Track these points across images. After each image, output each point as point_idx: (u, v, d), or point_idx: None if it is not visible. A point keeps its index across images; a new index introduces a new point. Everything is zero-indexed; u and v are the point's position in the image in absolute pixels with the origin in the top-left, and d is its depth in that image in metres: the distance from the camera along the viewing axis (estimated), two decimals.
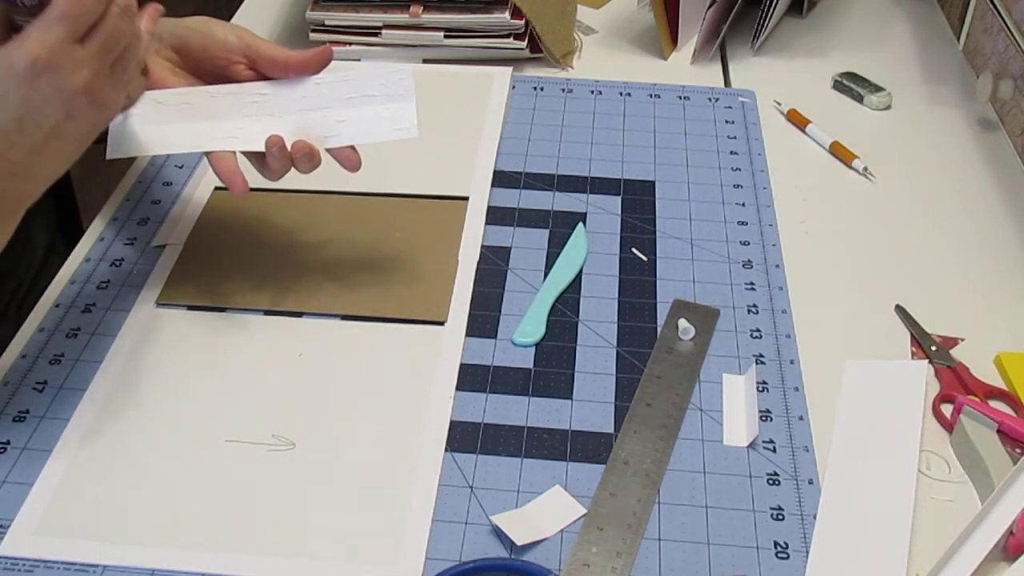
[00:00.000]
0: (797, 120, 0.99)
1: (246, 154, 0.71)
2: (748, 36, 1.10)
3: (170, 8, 0.77)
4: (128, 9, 0.58)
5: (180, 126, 0.71)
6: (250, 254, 0.80)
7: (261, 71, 0.72)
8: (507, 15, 1.02)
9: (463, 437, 0.67)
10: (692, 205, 0.87)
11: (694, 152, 0.94)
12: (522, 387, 0.71)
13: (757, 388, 0.70)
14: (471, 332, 0.75)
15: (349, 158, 0.72)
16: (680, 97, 1.01)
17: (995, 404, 0.70)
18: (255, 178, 0.89)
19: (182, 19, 0.75)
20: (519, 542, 0.60)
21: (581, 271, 0.80)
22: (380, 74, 0.72)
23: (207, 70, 0.73)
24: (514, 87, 1.02)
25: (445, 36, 1.03)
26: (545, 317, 0.75)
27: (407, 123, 0.72)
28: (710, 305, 0.77)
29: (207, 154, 0.71)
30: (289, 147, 0.70)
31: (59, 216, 0.95)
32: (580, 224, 0.84)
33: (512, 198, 0.88)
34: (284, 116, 0.71)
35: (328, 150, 0.72)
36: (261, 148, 0.70)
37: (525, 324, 0.75)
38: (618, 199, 0.88)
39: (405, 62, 1.04)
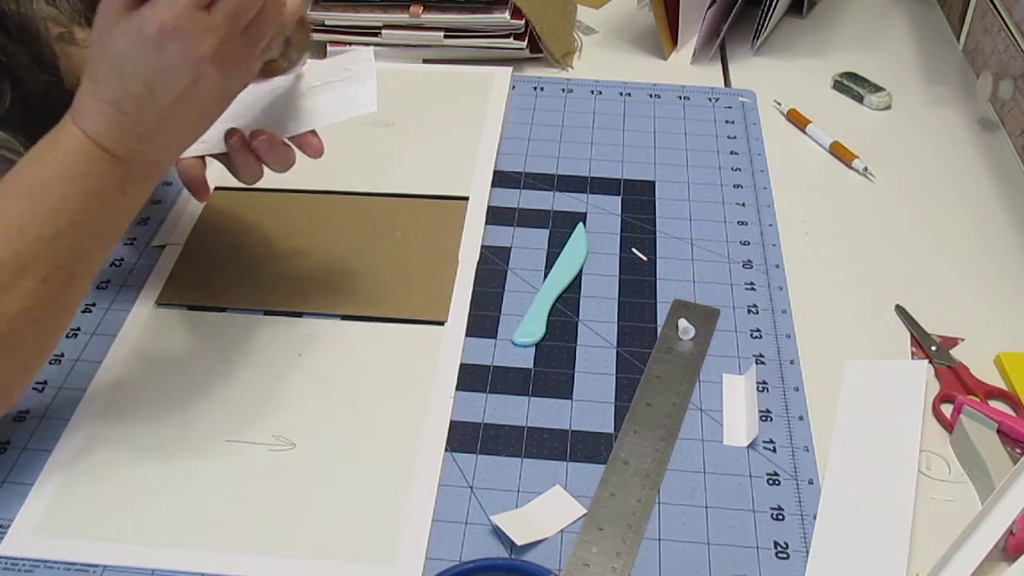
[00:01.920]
0: (797, 120, 0.99)
1: (219, 160, 0.71)
2: (748, 36, 1.10)
3: None
4: None
5: None
6: (250, 254, 0.80)
7: None
8: (507, 15, 1.02)
9: (463, 437, 0.67)
10: (692, 205, 0.87)
11: (694, 152, 0.94)
12: (522, 387, 0.71)
13: (757, 388, 0.70)
14: (471, 332, 0.75)
15: (310, 143, 0.70)
16: (680, 97, 1.01)
17: (995, 404, 0.70)
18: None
19: None
20: (519, 542, 0.60)
21: (581, 271, 0.80)
22: (341, 61, 0.72)
23: None
24: (514, 87, 1.02)
25: (445, 36, 1.03)
26: (545, 317, 0.75)
27: (366, 100, 0.70)
28: (710, 305, 0.77)
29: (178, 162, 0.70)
30: (250, 141, 0.69)
31: None
32: (580, 224, 0.84)
33: (512, 198, 0.88)
34: (245, 116, 0.70)
35: (291, 139, 0.70)
36: (224, 149, 0.69)
37: (525, 324, 0.75)
38: (618, 199, 0.88)
39: (403, 62, 1.04)
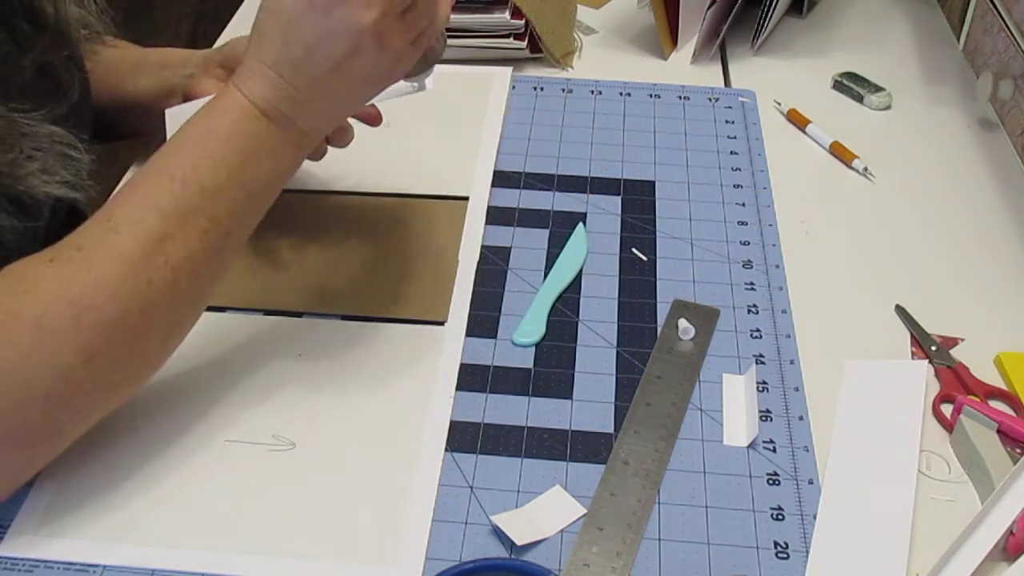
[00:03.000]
0: (797, 120, 0.99)
1: None
2: (748, 36, 1.10)
3: (168, 10, 0.78)
4: None
5: None
6: (250, 254, 0.80)
7: None
8: (507, 15, 1.02)
9: (463, 437, 0.67)
10: (692, 205, 0.87)
11: (694, 152, 0.94)
12: (522, 387, 0.71)
13: (757, 388, 0.70)
14: (471, 332, 0.75)
15: (370, 114, 0.78)
16: (680, 97, 1.01)
17: (995, 404, 0.70)
18: None
19: (231, 41, 0.81)
20: (519, 542, 0.60)
21: (581, 271, 0.80)
22: None
23: None
24: (514, 87, 1.02)
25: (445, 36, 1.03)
26: (545, 317, 0.75)
27: (425, 82, 0.73)
28: (710, 305, 0.77)
29: None
30: None
31: (59, 216, 0.95)
32: (580, 224, 0.84)
33: (512, 198, 0.88)
34: None
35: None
36: None
37: (525, 324, 0.75)
38: (618, 199, 0.88)
39: None
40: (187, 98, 0.79)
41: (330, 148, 0.79)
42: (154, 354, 0.63)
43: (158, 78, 0.84)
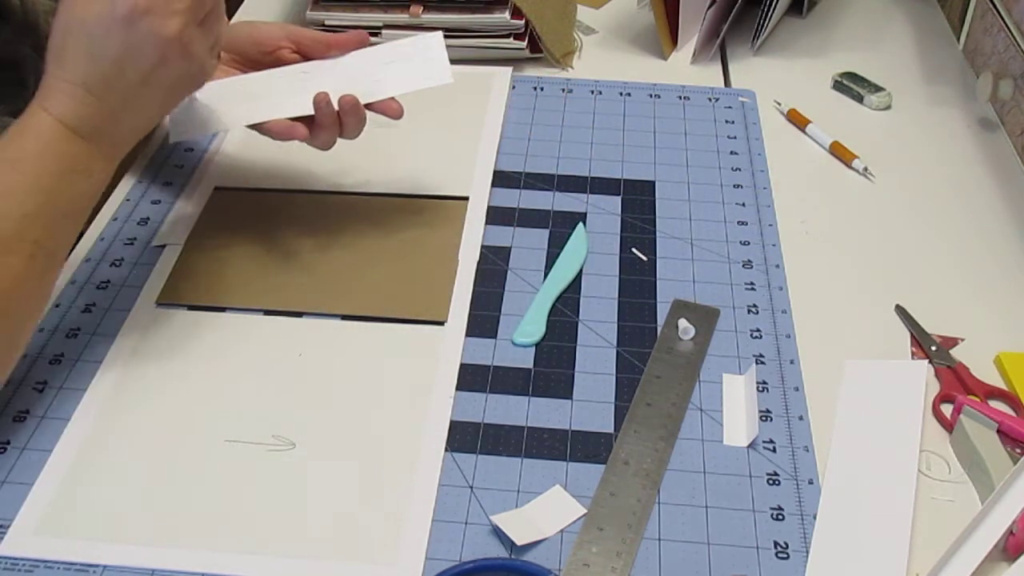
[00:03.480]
0: (797, 120, 0.99)
1: (299, 122, 0.75)
2: (748, 36, 1.10)
3: None
4: None
5: (235, 106, 0.76)
6: (250, 254, 0.80)
7: (305, 53, 0.80)
8: (507, 15, 1.02)
9: (463, 437, 0.67)
10: (692, 205, 0.87)
11: (694, 152, 0.94)
12: (522, 387, 0.71)
13: (757, 388, 0.70)
14: (471, 332, 0.75)
15: (391, 107, 0.77)
16: (680, 97, 1.01)
17: (995, 404, 0.70)
18: (254, 177, 0.89)
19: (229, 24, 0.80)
20: (519, 542, 0.60)
21: (581, 271, 0.80)
22: (411, 41, 0.79)
23: (256, 59, 0.80)
24: (514, 87, 1.02)
25: (445, 36, 1.03)
26: (545, 317, 0.75)
27: (440, 71, 0.78)
28: (710, 305, 0.77)
29: (262, 125, 0.76)
30: (335, 104, 0.74)
31: None
32: (580, 224, 0.84)
33: (512, 198, 0.88)
34: (327, 84, 0.76)
35: (371, 105, 0.76)
36: (310, 111, 0.74)
37: (525, 324, 0.75)
38: (618, 199, 0.88)
39: None
40: None
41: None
42: None
43: None
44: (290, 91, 0.76)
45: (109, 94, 0.61)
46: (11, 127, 0.62)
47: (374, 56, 0.78)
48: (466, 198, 0.86)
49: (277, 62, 0.79)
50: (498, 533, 0.61)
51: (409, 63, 0.78)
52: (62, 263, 0.64)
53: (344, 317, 0.75)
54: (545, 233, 0.84)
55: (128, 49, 0.60)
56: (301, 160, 0.89)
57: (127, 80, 0.61)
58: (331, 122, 0.75)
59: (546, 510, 0.63)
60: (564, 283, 0.79)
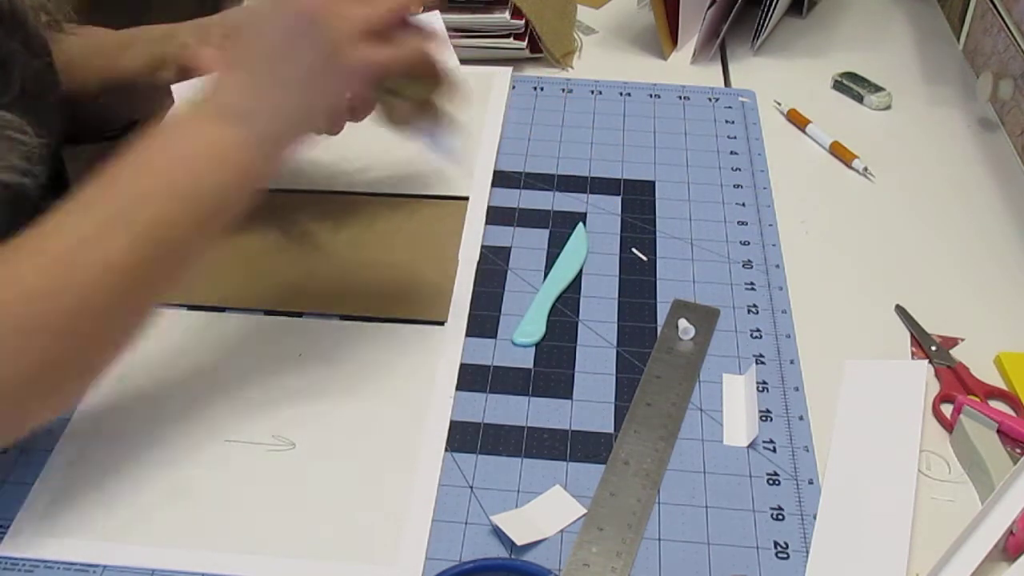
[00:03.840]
0: (797, 120, 0.99)
1: None
2: (748, 36, 1.10)
3: (167, 8, 0.78)
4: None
5: None
6: (250, 254, 0.80)
7: None
8: (507, 15, 1.02)
9: (463, 437, 0.67)
10: (692, 205, 0.87)
11: (694, 152, 0.94)
12: (522, 387, 0.71)
13: (757, 388, 0.70)
14: (471, 332, 0.75)
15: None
16: (680, 97, 1.01)
17: (995, 404, 0.70)
18: None
19: (224, 12, 0.80)
20: (519, 542, 0.60)
21: (581, 271, 0.80)
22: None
23: None
24: (514, 87, 1.02)
25: None
26: (545, 317, 0.75)
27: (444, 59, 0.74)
28: (710, 305, 0.77)
29: None
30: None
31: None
32: (580, 224, 0.84)
33: (512, 198, 0.88)
34: None
35: None
36: None
37: (525, 324, 0.75)
38: (618, 199, 0.88)
39: None
40: (182, 69, 0.77)
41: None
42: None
43: (147, 51, 0.81)
44: None
45: (247, 68, 0.60)
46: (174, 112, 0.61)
47: None
48: (466, 198, 0.86)
49: None
50: (498, 533, 0.61)
51: None
52: (198, 254, 0.61)
53: (344, 317, 0.75)
54: (545, 233, 0.84)
55: (264, 18, 0.60)
56: (301, 160, 0.89)
57: (260, 49, 0.60)
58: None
59: (546, 510, 0.63)
60: (564, 283, 0.79)
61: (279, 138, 0.61)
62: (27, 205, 0.60)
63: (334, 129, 0.66)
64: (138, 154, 0.59)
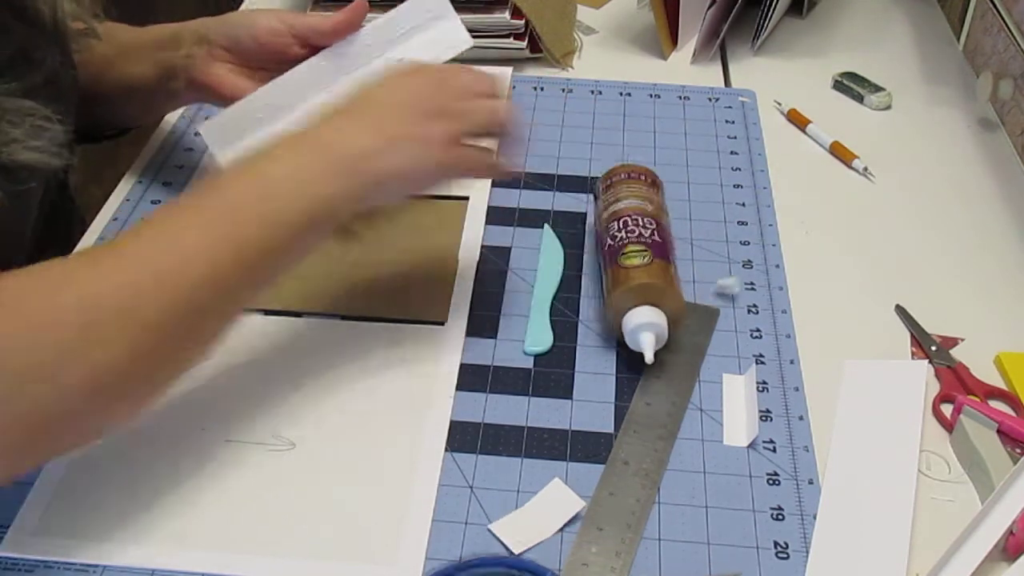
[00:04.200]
0: (797, 120, 0.99)
1: None
2: (748, 36, 1.10)
3: (169, 7, 0.77)
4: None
5: (271, 123, 0.75)
6: None
7: (313, 44, 0.76)
8: (507, 15, 1.02)
9: (463, 437, 0.67)
10: (692, 205, 0.87)
11: (694, 152, 0.94)
12: (522, 387, 0.71)
13: (757, 388, 0.70)
14: (471, 332, 0.75)
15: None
16: (680, 97, 1.01)
17: (995, 404, 0.70)
18: None
19: (224, 17, 0.78)
20: (516, 551, 0.60)
21: (565, 271, 0.80)
22: (414, 4, 0.75)
23: (262, 59, 0.77)
24: (514, 87, 1.02)
25: None
26: (548, 323, 0.75)
27: (459, 38, 0.75)
28: (710, 305, 0.77)
29: None
30: None
31: (58, 217, 0.95)
32: (546, 224, 0.84)
33: (512, 198, 0.88)
34: (351, 76, 0.75)
35: None
36: None
37: (532, 333, 0.74)
38: None
39: None
40: (191, 81, 0.78)
41: None
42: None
43: (154, 61, 0.80)
44: (317, 94, 0.75)
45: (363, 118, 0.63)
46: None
47: (385, 32, 0.75)
48: (466, 198, 0.86)
49: (284, 60, 0.76)
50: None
51: (423, 34, 0.75)
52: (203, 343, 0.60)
53: (344, 317, 0.75)
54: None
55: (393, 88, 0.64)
56: None
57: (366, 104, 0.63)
58: None
59: (546, 506, 0.63)
60: (554, 286, 0.78)
61: (360, 199, 0.64)
62: (57, 189, 0.60)
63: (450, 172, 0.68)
64: (236, 177, 0.60)
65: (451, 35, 0.75)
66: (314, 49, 0.76)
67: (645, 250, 0.72)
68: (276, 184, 0.60)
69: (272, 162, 0.61)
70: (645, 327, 0.69)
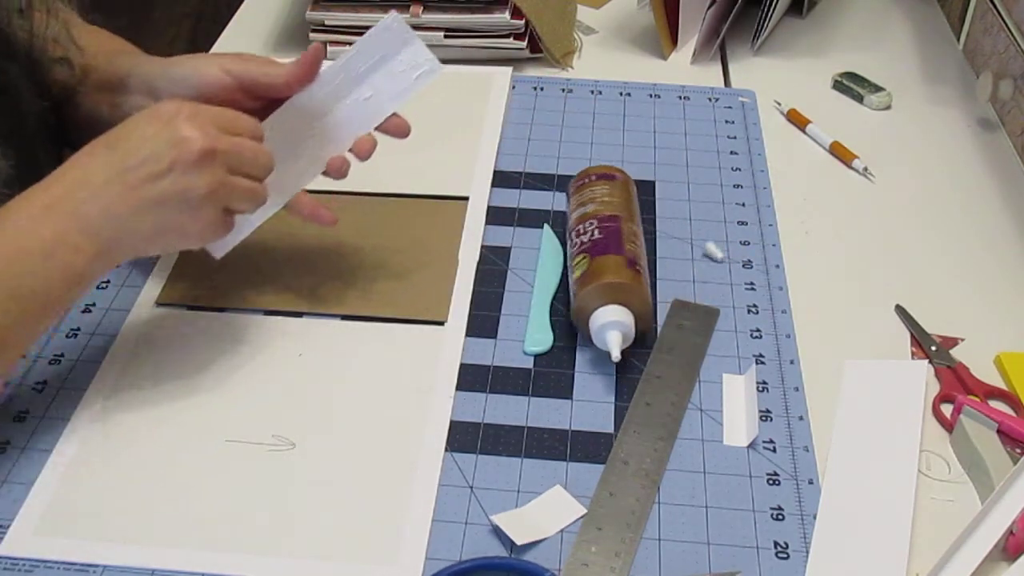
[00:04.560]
0: (797, 120, 0.99)
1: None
2: (748, 36, 1.10)
3: (169, 8, 0.77)
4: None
5: None
6: (250, 254, 0.80)
7: (264, 96, 0.72)
8: (507, 15, 1.02)
9: (463, 437, 0.67)
10: (692, 205, 0.87)
11: (694, 152, 0.94)
12: (522, 387, 0.71)
13: (757, 388, 0.70)
14: (471, 332, 0.75)
15: (398, 126, 0.73)
16: (680, 97, 1.01)
17: (995, 404, 0.70)
18: None
19: (167, 67, 0.73)
20: (519, 542, 0.60)
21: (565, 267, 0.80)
22: (374, 35, 0.71)
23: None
24: (514, 87, 1.02)
25: (445, 36, 1.03)
26: (548, 323, 0.75)
27: (426, 62, 0.72)
28: (710, 305, 0.77)
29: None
30: (349, 154, 0.72)
31: None
32: (546, 225, 0.84)
33: (512, 198, 0.88)
34: (318, 128, 0.72)
35: (376, 129, 0.73)
36: (321, 171, 0.72)
37: (532, 333, 0.74)
38: None
39: None
40: None
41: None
42: None
43: (108, 103, 0.77)
44: (293, 154, 0.71)
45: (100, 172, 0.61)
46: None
47: (347, 71, 0.71)
48: (466, 198, 0.86)
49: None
50: (498, 533, 0.61)
51: (388, 64, 0.71)
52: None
53: (344, 317, 0.75)
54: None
55: (144, 139, 0.61)
56: None
57: (123, 164, 0.61)
58: (347, 169, 0.73)
59: (546, 510, 0.63)
60: (554, 286, 0.78)
61: (121, 252, 0.64)
62: None
63: (219, 232, 0.66)
64: None
65: (417, 61, 0.71)
66: (269, 101, 0.71)
67: (584, 257, 0.74)
68: (27, 258, 0.59)
69: (24, 235, 0.60)
70: (610, 326, 0.70)
